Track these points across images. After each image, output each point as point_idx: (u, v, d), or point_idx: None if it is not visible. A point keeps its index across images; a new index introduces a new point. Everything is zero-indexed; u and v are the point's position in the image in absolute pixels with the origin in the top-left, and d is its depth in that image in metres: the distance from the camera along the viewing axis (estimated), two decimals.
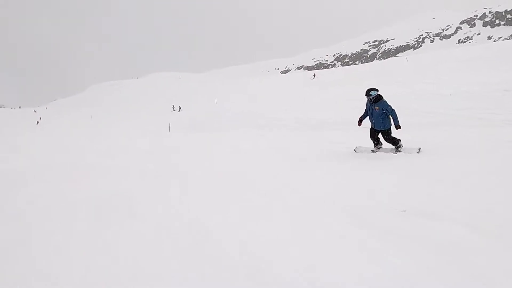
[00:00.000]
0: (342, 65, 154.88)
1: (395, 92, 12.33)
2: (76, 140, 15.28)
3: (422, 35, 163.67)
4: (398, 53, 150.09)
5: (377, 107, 6.03)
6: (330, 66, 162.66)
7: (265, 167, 5.96)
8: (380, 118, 6.04)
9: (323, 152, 7.02)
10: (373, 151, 6.40)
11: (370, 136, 6.37)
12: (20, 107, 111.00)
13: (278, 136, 11.00)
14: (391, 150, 6.13)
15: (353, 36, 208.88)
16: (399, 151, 5.99)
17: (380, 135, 6.26)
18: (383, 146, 6.40)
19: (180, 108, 35.14)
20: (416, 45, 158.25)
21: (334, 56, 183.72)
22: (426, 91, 12.69)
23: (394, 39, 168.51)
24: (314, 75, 37.97)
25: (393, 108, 6.00)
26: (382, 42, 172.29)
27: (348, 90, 17.55)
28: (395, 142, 6.04)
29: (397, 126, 5.88)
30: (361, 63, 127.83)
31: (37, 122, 41.29)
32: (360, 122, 6.64)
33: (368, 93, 6.16)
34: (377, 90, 6.17)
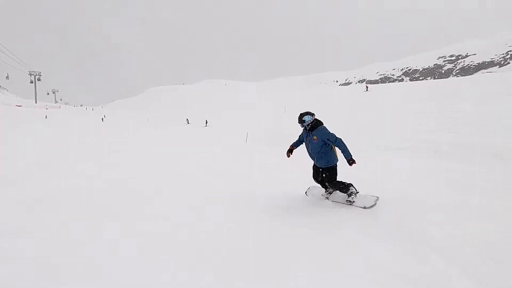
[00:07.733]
0: (411, 80, 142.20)
1: None
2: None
3: (510, 51, 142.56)
4: (479, 70, 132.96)
5: (315, 137, 4.57)
6: (397, 81, 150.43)
7: None
8: (320, 152, 4.59)
9: None
10: (324, 196, 5.06)
11: (313, 177, 5.00)
12: (81, 105, 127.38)
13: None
14: (343, 199, 4.72)
15: (424, 51, 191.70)
16: (350, 202, 4.55)
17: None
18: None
19: (206, 122, 34.08)
20: (502, 62, 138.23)
21: (401, 70, 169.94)
22: None
23: (475, 54, 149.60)
24: (367, 87, 38.43)
25: (337, 136, 4.48)
26: (460, 57, 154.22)
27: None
28: (343, 188, 4.57)
29: (350, 161, 4.30)
30: (433, 79, 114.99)
31: (102, 119, 47.88)
32: (289, 152, 5.11)
33: (300, 119, 4.71)
34: (312, 114, 4.71)
